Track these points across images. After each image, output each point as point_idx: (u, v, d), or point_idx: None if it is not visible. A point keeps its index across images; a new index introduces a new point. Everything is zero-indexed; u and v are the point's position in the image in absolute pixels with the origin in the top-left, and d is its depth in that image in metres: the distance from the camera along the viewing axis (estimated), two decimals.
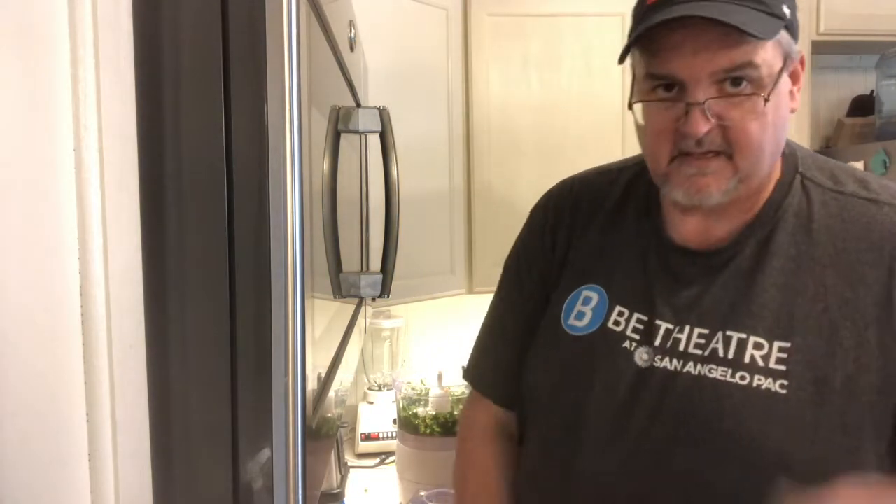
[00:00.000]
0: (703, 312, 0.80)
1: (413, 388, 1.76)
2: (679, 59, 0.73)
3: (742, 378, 0.76)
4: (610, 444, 0.82)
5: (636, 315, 0.84)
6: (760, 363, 0.76)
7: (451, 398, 1.68)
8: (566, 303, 0.91)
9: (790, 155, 0.83)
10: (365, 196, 1.21)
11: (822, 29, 1.97)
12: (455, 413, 1.66)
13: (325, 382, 0.69)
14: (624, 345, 0.84)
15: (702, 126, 0.72)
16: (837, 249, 0.77)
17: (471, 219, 1.90)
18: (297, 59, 0.47)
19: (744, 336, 0.77)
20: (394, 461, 1.75)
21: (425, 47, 1.79)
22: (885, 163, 1.86)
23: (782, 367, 0.75)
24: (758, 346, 0.76)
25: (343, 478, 1.63)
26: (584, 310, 0.89)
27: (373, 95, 1.40)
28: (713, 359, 0.78)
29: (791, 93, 0.78)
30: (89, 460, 0.43)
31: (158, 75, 0.47)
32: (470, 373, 1.05)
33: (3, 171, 0.40)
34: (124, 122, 0.45)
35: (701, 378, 0.78)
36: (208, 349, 0.50)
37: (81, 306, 0.43)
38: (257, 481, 0.52)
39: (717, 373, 0.77)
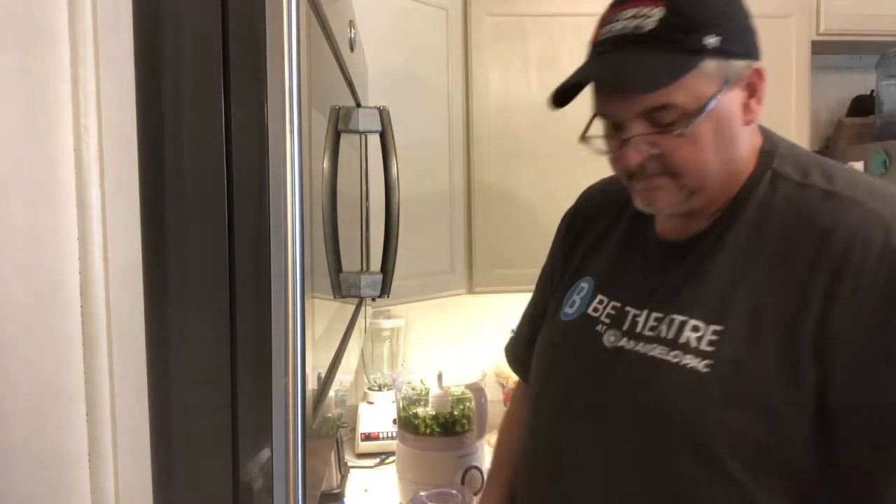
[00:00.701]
0: (661, 298, 0.88)
1: (413, 388, 1.76)
2: (609, 103, 0.84)
3: (675, 357, 0.83)
4: (570, 410, 0.94)
5: (612, 303, 0.94)
6: (694, 344, 0.82)
7: (451, 398, 1.68)
8: (567, 293, 1.02)
9: (768, 151, 0.87)
10: (365, 196, 1.21)
11: (822, 29, 1.97)
12: (455, 413, 1.66)
13: (325, 382, 0.69)
14: (596, 328, 0.93)
15: (634, 159, 0.82)
16: (786, 240, 0.80)
17: (471, 219, 1.90)
18: (297, 59, 0.47)
19: (685, 319, 0.84)
20: (394, 461, 1.74)
21: (425, 47, 1.79)
22: (885, 163, 1.86)
23: (711, 349, 0.80)
24: (695, 329, 0.82)
25: (343, 478, 1.63)
26: (576, 298, 1.00)
27: (373, 95, 1.40)
28: (657, 339, 0.86)
29: (747, 105, 0.83)
30: (89, 460, 0.43)
31: (158, 75, 0.47)
32: (506, 352, 1.27)
33: (4, 170, 0.40)
34: (124, 122, 0.45)
35: (643, 355, 0.86)
36: (208, 349, 0.50)
37: (81, 306, 0.43)
38: (257, 481, 0.52)
39: (657, 351, 0.85)
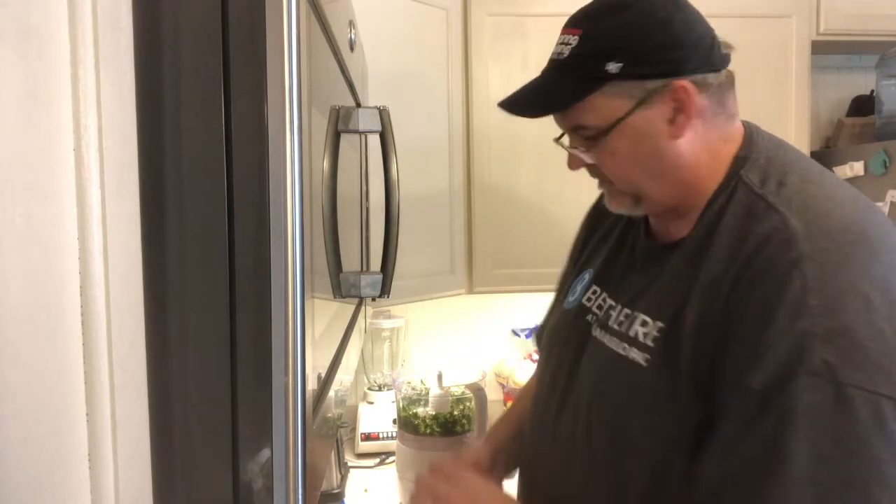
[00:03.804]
0: (630, 293, 0.93)
1: (413, 388, 1.76)
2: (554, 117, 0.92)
3: (623, 349, 0.88)
4: (553, 395, 0.99)
5: (604, 294, 0.99)
6: (640, 338, 0.86)
7: (451, 398, 1.68)
8: (573, 282, 1.08)
9: (741, 158, 0.87)
10: (365, 196, 1.21)
11: (822, 29, 1.97)
12: (455, 413, 1.65)
13: (325, 382, 0.69)
14: (587, 317, 0.99)
15: (572, 164, 0.94)
16: (724, 246, 0.81)
17: (471, 219, 1.90)
18: (297, 59, 0.47)
19: (636, 314, 0.89)
20: (394, 461, 1.74)
21: (425, 47, 1.79)
22: (885, 163, 1.86)
23: (651, 344, 0.85)
24: (644, 324, 0.87)
25: (343, 478, 1.64)
26: (577, 288, 1.05)
27: (373, 95, 1.40)
28: (615, 331, 0.91)
29: (673, 120, 0.85)
30: (89, 460, 0.43)
31: (158, 75, 0.47)
32: (535, 335, 1.29)
33: (3, 170, 0.40)
34: (124, 122, 0.45)
35: (606, 347, 0.92)
36: (208, 349, 0.50)
37: (81, 306, 0.43)
38: (257, 481, 0.52)
39: (613, 343, 0.90)
